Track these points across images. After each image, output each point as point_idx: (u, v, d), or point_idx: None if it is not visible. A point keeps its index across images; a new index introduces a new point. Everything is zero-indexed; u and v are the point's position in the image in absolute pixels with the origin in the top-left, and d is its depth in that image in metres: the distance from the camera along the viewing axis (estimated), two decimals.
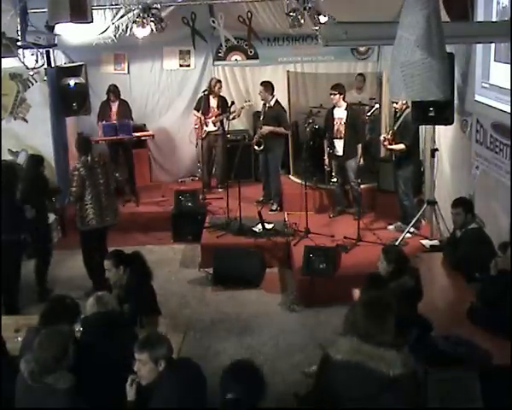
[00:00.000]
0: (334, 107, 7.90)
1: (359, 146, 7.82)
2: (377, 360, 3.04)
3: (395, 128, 7.40)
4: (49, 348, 3.31)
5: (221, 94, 9.13)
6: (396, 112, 7.51)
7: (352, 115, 7.86)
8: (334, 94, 7.78)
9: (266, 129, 8.27)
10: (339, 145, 7.91)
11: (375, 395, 3.04)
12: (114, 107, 8.94)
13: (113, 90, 8.89)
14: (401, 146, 7.26)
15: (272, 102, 8.29)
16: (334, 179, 8.17)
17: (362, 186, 7.92)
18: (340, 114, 7.85)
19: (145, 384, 3.40)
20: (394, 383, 3.01)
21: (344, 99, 7.86)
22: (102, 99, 9.08)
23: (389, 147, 7.47)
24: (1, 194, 5.98)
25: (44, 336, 3.40)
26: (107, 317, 4.04)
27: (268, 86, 8.31)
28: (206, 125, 9.02)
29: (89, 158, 6.41)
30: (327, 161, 8.16)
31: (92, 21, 5.59)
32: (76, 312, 4.05)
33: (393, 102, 7.54)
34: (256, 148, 8.42)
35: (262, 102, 8.44)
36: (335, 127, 7.89)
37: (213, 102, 9.05)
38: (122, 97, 9.06)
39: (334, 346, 3.20)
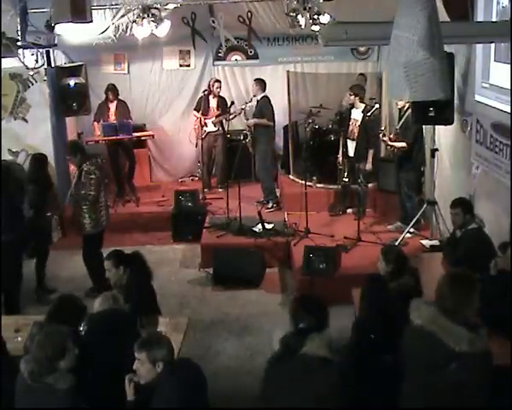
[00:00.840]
0: (353, 107, 7.91)
1: (370, 151, 7.80)
2: (447, 333, 3.17)
3: (398, 127, 7.41)
4: (48, 348, 3.30)
5: (220, 94, 9.13)
6: (399, 110, 7.51)
7: (368, 118, 7.83)
8: (351, 94, 7.84)
9: (251, 121, 8.47)
10: (351, 146, 7.91)
11: (440, 367, 3.17)
12: (112, 107, 8.93)
13: (112, 89, 8.88)
14: (402, 144, 7.26)
15: (259, 97, 8.39)
16: (346, 179, 8.15)
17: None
18: (357, 115, 7.84)
19: (144, 384, 3.40)
20: (459, 360, 3.13)
21: (362, 101, 7.86)
22: (102, 99, 9.07)
23: (390, 143, 7.47)
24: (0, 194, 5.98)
25: (43, 336, 3.40)
26: (113, 315, 4.05)
27: (260, 83, 8.46)
28: (206, 126, 9.02)
29: (99, 159, 6.48)
30: (340, 159, 8.13)
31: (92, 21, 5.58)
32: (83, 313, 4.06)
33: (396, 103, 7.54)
34: (245, 142, 8.51)
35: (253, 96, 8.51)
36: (350, 128, 7.89)
37: (213, 102, 9.05)
38: (121, 97, 9.05)
39: (417, 310, 3.38)
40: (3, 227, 5.90)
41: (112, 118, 8.87)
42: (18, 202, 6.14)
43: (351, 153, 7.93)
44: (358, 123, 7.80)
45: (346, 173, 8.15)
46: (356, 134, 7.82)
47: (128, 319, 4.23)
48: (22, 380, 3.33)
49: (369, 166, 7.77)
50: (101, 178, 6.42)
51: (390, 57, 3.48)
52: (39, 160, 6.83)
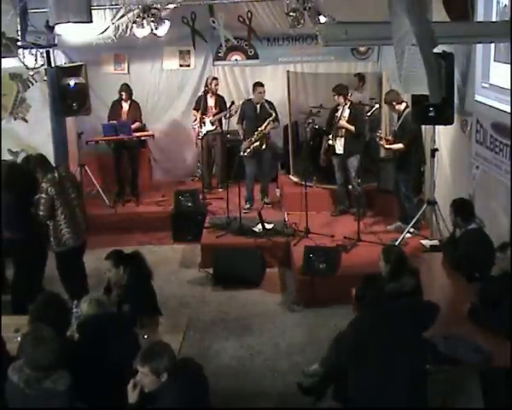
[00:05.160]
0: (338, 105, 7.93)
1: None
2: None
3: (396, 128, 7.41)
4: (43, 353, 3.23)
5: (219, 93, 9.11)
6: (398, 111, 7.52)
7: (354, 114, 7.88)
8: (334, 95, 7.89)
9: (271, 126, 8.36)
10: (340, 143, 7.93)
11: None
12: (126, 107, 8.93)
13: (126, 90, 8.87)
14: (399, 146, 7.26)
15: (264, 101, 8.35)
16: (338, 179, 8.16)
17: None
18: (344, 113, 7.86)
19: (147, 392, 3.39)
20: None
21: (347, 98, 7.87)
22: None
23: (386, 147, 7.49)
24: (15, 194, 5.93)
25: (35, 342, 3.29)
26: (104, 319, 4.03)
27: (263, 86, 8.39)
28: (204, 125, 9.01)
29: (56, 174, 5.85)
30: (323, 157, 8.13)
31: (92, 21, 5.55)
32: (67, 311, 4.05)
33: (392, 106, 7.52)
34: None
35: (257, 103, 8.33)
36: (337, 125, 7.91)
37: (211, 101, 9.03)
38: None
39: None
40: (13, 226, 5.90)
41: (124, 117, 8.84)
42: (27, 200, 6.10)
43: (340, 150, 7.94)
44: (346, 119, 7.82)
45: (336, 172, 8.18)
46: (344, 131, 7.85)
47: (120, 321, 4.22)
48: (16, 389, 3.23)
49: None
50: (59, 194, 5.77)
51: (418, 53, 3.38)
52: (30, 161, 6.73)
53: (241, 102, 8.67)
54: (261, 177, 8.71)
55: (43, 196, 5.74)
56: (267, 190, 8.82)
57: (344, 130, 7.85)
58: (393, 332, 3.76)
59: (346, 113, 7.84)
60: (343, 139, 7.89)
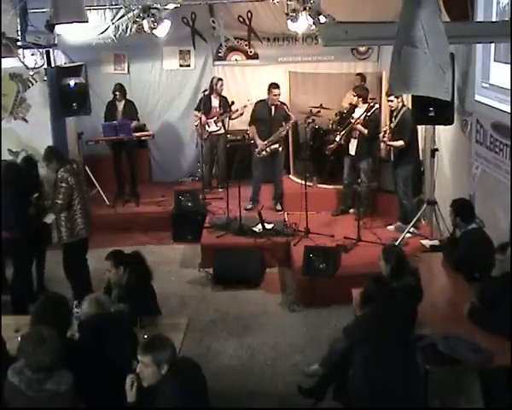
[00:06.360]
0: (356, 106, 7.94)
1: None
2: None
3: (393, 126, 7.43)
4: (44, 353, 3.21)
5: (222, 93, 9.11)
6: (392, 111, 7.54)
7: (370, 118, 7.82)
8: (354, 95, 7.94)
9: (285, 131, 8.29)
10: (352, 145, 7.93)
11: None
12: (120, 106, 8.92)
13: (120, 89, 8.87)
14: (400, 143, 7.29)
15: (278, 103, 8.25)
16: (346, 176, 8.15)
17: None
18: (359, 114, 7.84)
19: (146, 386, 3.39)
20: None
21: (365, 102, 7.86)
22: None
23: (388, 143, 7.51)
24: (13, 193, 5.95)
25: (34, 342, 3.26)
26: (104, 319, 4.03)
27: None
28: (209, 126, 9.00)
29: (74, 165, 6.06)
30: (331, 147, 8.04)
31: (87, 21, 5.56)
32: (69, 312, 4.05)
33: (389, 101, 7.55)
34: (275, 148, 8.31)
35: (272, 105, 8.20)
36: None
37: (215, 101, 9.02)
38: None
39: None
40: (11, 226, 5.90)
41: (119, 117, 8.83)
42: (25, 200, 6.10)
43: (352, 151, 7.94)
44: (361, 123, 7.80)
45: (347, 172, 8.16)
46: (358, 133, 7.84)
47: (121, 321, 4.22)
48: (18, 392, 3.20)
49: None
50: (76, 185, 5.96)
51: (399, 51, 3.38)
52: (32, 162, 6.77)
53: (249, 102, 8.47)
54: (274, 180, 8.58)
55: (64, 185, 5.87)
56: (282, 195, 8.62)
57: (358, 132, 7.84)
58: (400, 332, 3.80)
59: (363, 116, 7.78)
60: (356, 141, 7.88)
